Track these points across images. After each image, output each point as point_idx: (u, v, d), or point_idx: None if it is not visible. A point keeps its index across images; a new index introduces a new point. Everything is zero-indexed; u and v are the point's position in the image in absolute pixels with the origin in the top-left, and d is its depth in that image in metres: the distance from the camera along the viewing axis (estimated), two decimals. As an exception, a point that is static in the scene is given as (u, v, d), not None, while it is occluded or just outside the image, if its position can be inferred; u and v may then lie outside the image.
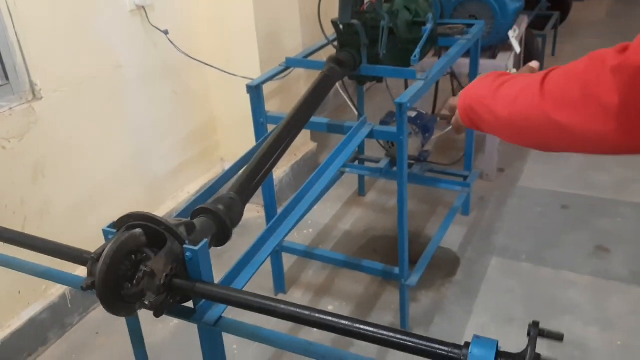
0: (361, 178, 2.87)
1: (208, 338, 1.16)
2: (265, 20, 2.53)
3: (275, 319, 0.95)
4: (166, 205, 2.55)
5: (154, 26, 2.26)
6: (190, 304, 1.08)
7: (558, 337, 0.84)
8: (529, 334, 0.82)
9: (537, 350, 0.78)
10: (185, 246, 1.02)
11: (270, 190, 2.07)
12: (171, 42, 2.33)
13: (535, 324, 0.83)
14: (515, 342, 0.95)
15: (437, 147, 3.22)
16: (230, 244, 1.20)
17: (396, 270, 1.97)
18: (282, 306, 0.95)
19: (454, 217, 2.47)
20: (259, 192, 1.77)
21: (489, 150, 2.90)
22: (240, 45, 2.52)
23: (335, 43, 1.93)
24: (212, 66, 2.47)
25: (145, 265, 0.98)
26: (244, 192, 1.32)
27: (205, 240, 1.07)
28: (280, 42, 2.66)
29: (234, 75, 2.45)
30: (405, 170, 1.74)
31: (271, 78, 1.94)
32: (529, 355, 0.79)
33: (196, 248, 1.01)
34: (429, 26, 1.91)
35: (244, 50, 2.51)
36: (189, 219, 1.14)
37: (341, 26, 1.86)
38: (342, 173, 2.69)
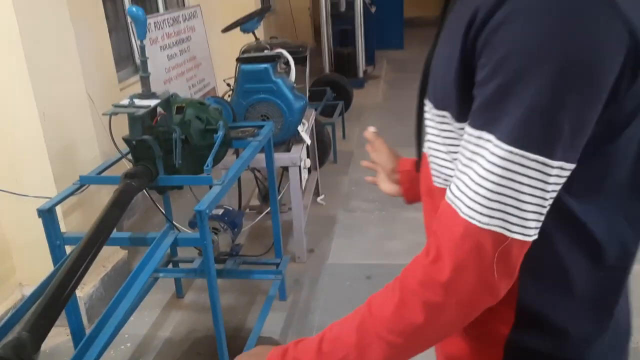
0: (177, 280, 2.85)
1: None
2: (56, 135, 2.46)
3: None
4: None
5: None
6: None
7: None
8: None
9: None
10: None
11: (75, 312, 1.96)
12: (-52, 168, 2.15)
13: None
14: None
15: (249, 238, 3.35)
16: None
17: (219, 370, 1.98)
18: None
19: (272, 304, 2.57)
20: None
21: (297, 233, 3.10)
22: (31, 163, 2.41)
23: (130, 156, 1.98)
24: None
25: None
26: (38, 329, 1.26)
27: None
28: (75, 155, 2.61)
29: (25, 195, 2.33)
30: (213, 274, 1.81)
31: (64, 199, 1.90)
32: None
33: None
34: (220, 133, 2.07)
35: (36, 168, 2.41)
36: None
37: (134, 141, 1.92)
38: (156, 279, 2.65)
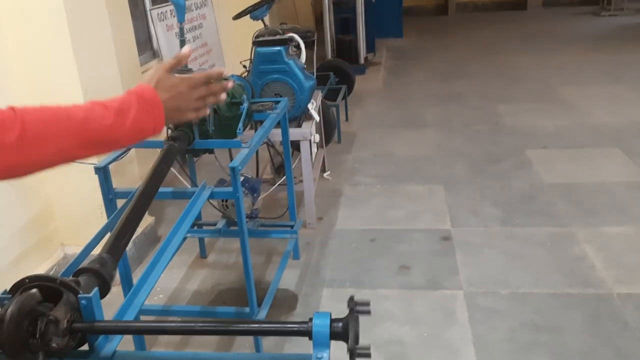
0: (201, 242, 3.16)
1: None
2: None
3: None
4: (10, 295, 2.55)
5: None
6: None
7: (366, 303, 1.26)
8: (348, 305, 1.23)
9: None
10: (79, 296, 1.25)
11: (125, 262, 2.28)
12: None
13: (351, 298, 1.24)
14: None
15: (263, 207, 3.66)
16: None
17: (247, 309, 2.30)
18: (170, 324, 1.25)
19: (287, 262, 2.89)
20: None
21: (307, 201, 3.42)
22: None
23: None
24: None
25: (46, 316, 1.20)
26: (115, 252, 1.57)
27: (96, 288, 1.32)
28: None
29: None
30: (244, 221, 2.12)
31: (115, 159, 2.21)
32: (350, 315, 1.19)
33: (90, 295, 1.26)
34: (245, 105, 2.37)
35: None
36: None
37: (173, 110, 2.22)
38: (185, 238, 2.96)
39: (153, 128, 1.08)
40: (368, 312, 1.15)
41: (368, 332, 2.45)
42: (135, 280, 2.25)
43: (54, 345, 1.16)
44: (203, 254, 3.19)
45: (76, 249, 2.96)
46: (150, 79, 1.14)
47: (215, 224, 3.05)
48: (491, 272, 2.90)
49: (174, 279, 3.00)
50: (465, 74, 7.01)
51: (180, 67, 2.06)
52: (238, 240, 3.28)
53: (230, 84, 1.28)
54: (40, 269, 2.75)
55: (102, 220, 2.81)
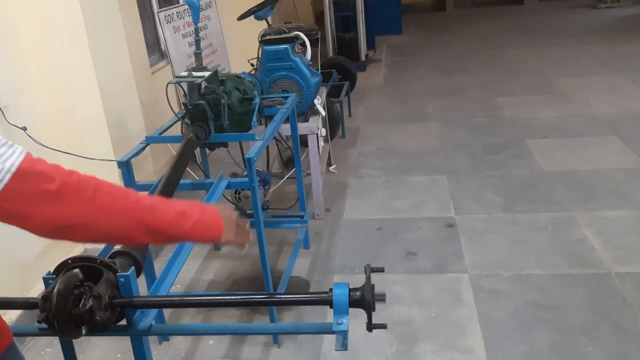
0: (215, 234, 3.28)
1: (139, 346, 1.50)
2: (112, 108, 2.89)
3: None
4: (37, 287, 2.68)
5: (12, 124, 2.50)
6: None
7: (381, 270, 1.38)
8: (365, 272, 1.34)
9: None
10: (118, 274, 1.37)
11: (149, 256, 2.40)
12: (30, 136, 2.57)
13: (367, 265, 1.36)
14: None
15: (273, 198, 3.79)
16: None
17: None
18: (203, 298, 1.37)
19: (299, 251, 3.02)
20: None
21: (315, 195, 3.54)
22: (93, 132, 2.84)
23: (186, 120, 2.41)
24: (71, 153, 2.74)
25: (89, 293, 1.31)
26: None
27: (133, 267, 1.44)
28: (126, 125, 3.04)
29: (92, 159, 2.76)
30: (260, 209, 2.24)
31: (137, 154, 2.33)
32: (366, 284, 1.31)
33: (127, 274, 1.38)
34: (257, 100, 2.50)
35: (97, 136, 2.84)
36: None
37: (190, 106, 2.34)
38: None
39: (209, 237, 1.23)
40: (383, 300, 1.24)
41: (378, 314, 2.56)
42: (156, 270, 2.38)
43: (97, 318, 1.27)
44: (216, 246, 3.31)
45: (95, 245, 3.09)
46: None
47: (228, 216, 3.18)
48: (495, 256, 3.02)
49: (190, 270, 3.12)
50: (465, 68, 7.13)
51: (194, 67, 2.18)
52: (250, 232, 3.41)
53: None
54: (63, 262, 2.87)
55: (120, 214, 2.94)
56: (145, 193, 1.26)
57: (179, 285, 2.98)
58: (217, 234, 1.22)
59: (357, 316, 1.38)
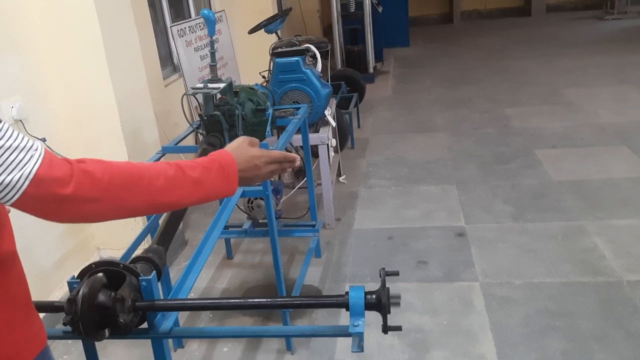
0: (228, 243, 3.33)
1: (160, 349, 1.54)
2: (128, 120, 2.96)
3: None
4: (54, 295, 2.73)
5: (32, 136, 2.57)
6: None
7: (395, 274, 1.41)
8: (380, 276, 1.38)
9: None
10: (140, 278, 1.42)
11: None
12: (49, 147, 2.63)
13: (382, 269, 1.40)
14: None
15: (284, 208, 3.83)
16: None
17: (276, 301, 2.45)
18: (223, 301, 1.41)
19: (310, 260, 3.05)
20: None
21: (326, 204, 3.58)
22: (109, 143, 2.91)
23: (200, 130, 2.46)
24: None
25: (114, 296, 1.35)
26: (165, 242, 1.75)
27: (154, 272, 1.48)
28: (142, 137, 3.10)
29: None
30: (274, 217, 2.28)
31: (153, 163, 2.38)
32: (381, 287, 1.34)
33: (149, 277, 1.43)
34: (270, 110, 2.55)
35: (113, 147, 2.90)
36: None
37: (205, 117, 2.40)
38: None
39: (224, 192, 1.18)
40: (398, 304, 1.28)
41: (390, 321, 2.58)
42: (171, 278, 2.42)
43: (121, 320, 1.31)
44: (230, 255, 3.35)
45: (110, 253, 3.15)
46: (235, 147, 1.23)
47: (240, 226, 3.23)
48: (505, 264, 3.04)
49: (203, 278, 3.16)
50: (473, 80, 7.18)
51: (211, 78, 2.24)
52: (262, 241, 3.46)
53: (298, 164, 1.34)
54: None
55: (135, 225, 3.00)
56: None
57: (193, 294, 3.02)
58: (233, 186, 1.17)
59: (370, 324, 1.42)
